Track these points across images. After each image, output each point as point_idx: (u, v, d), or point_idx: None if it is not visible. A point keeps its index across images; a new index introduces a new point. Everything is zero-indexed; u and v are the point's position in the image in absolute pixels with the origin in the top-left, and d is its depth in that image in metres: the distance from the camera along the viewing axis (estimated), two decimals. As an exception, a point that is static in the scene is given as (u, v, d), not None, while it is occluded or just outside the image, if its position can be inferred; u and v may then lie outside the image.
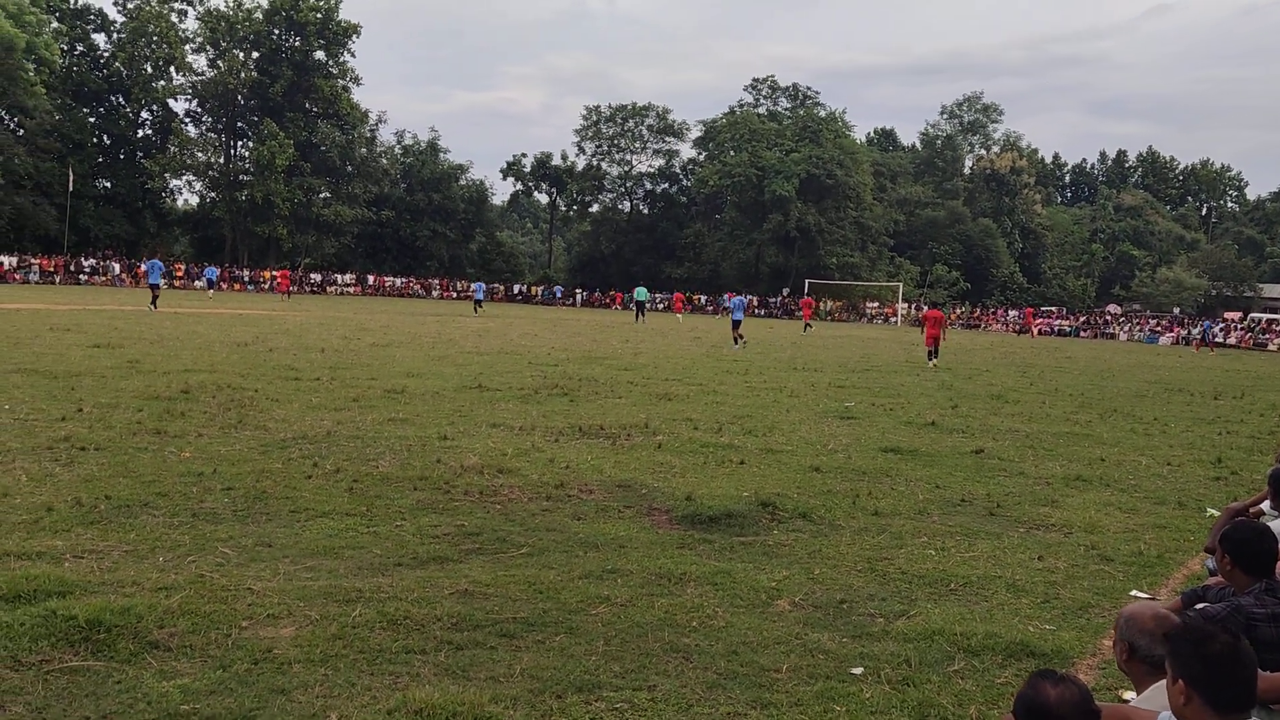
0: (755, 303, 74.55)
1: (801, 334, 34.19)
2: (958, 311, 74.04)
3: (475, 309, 49.66)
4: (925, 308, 38.73)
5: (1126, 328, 67.42)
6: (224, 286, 62.79)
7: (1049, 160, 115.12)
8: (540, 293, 77.16)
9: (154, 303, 33.61)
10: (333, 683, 4.07)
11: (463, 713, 3.77)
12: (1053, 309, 77.80)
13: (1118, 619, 3.14)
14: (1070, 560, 6.67)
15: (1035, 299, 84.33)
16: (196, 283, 61.23)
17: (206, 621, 4.63)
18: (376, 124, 77.80)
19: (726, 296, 38.09)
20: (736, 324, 30.18)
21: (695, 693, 4.19)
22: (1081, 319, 71.72)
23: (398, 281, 72.89)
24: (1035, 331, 58.42)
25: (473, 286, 59.21)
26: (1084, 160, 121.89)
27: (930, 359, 24.99)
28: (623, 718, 3.92)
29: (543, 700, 4.02)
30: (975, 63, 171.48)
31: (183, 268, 65.71)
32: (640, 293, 49.58)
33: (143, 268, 46.94)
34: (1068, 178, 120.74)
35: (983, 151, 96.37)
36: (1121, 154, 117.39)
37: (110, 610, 4.54)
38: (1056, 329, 67.67)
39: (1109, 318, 72.16)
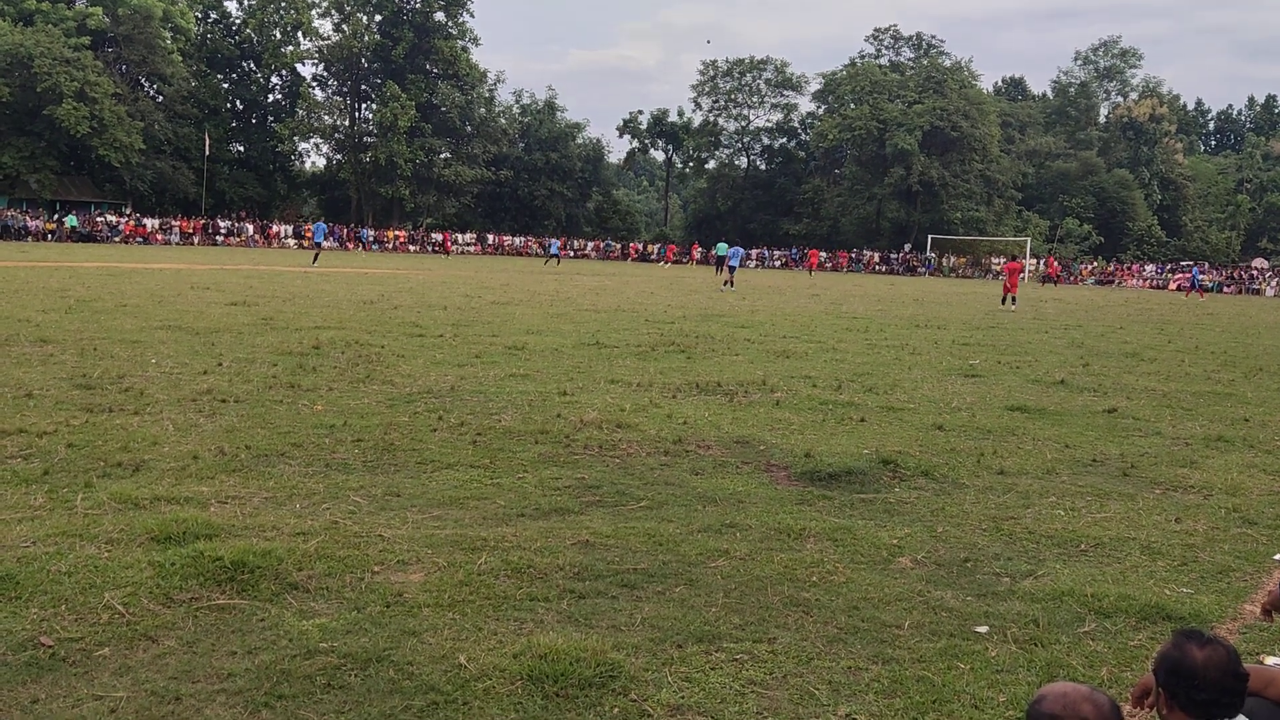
0: (876, 259, 73.11)
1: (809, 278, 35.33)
2: (1089, 267, 71.12)
3: (549, 262, 52.18)
4: (1005, 260, 41.97)
5: (1274, 283, 63.68)
6: (349, 247, 64.86)
7: (1191, 107, 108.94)
8: (657, 250, 77.19)
9: (315, 260, 36.81)
10: (460, 626, 4.20)
11: (585, 659, 3.84)
12: (1191, 263, 74.03)
13: None
14: (1210, 523, 6.38)
15: (1174, 253, 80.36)
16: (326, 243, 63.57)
17: (341, 565, 4.82)
18: (495, 84, 78.83)
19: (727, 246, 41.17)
20: (732, 270, 36.99)
21: (815, 646, 4.18)
22: (1225, 274, 68.00)
23: (517, 241, 73.92)
24: (1189, 290, 54.99)
25: (551, 243, 62.00)
26: (1230, 106, 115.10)
27: (1008, 304, 29.39)
28: (742, 668, 3.94)
29: (663, 649, 4.07)
30: (1114, 4, 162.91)
31: (311, 229, 68.04)
32: (721, 247, 50.13)
33: (309, 228, 50.50)
34: (1212, 125, 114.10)
35: (1119, 99, 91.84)
36: (1271, 99, 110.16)
37: (253, 552, 4.77)
38: (1198, 284, 64.40)
39: (1255, 273, 68.23)
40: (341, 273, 33.81)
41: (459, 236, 70.96)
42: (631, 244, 76.81)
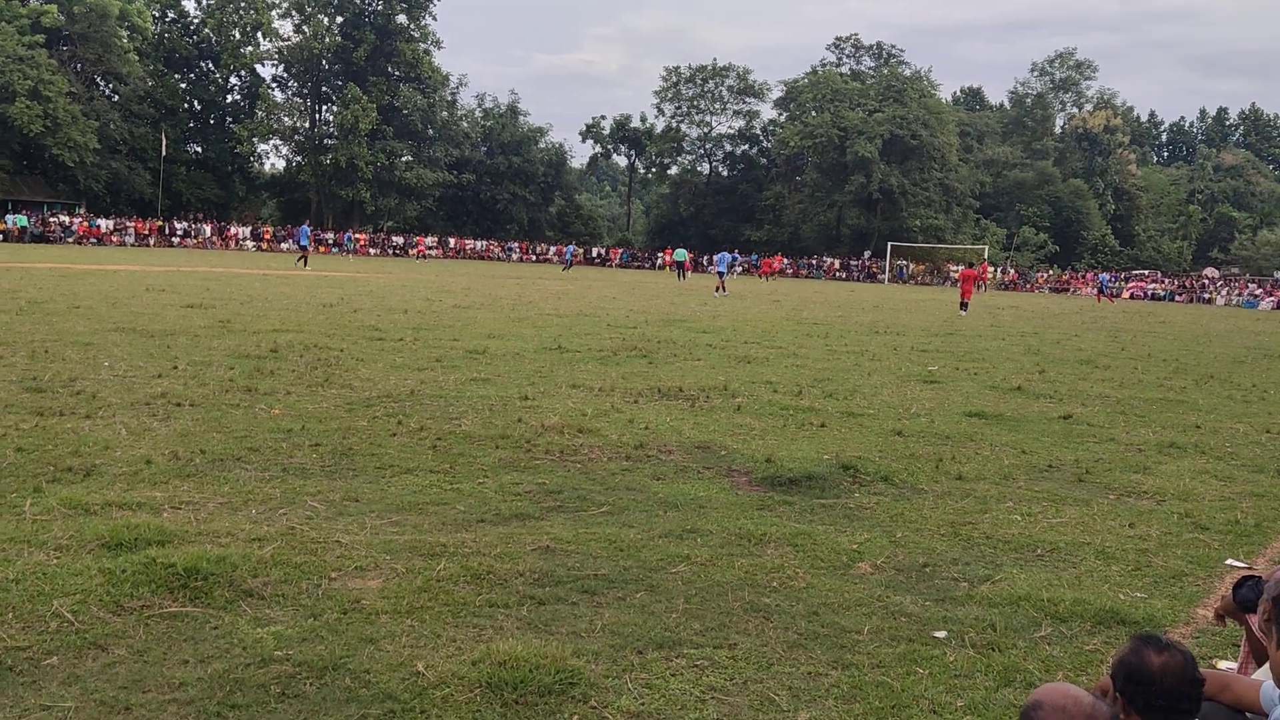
0: (835, 266, 73.70)
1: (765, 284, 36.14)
2: (1044, 275, 72.13)
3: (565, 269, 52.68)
4: (961, 268, 42.89)
5: (1224, 292, 64.97)
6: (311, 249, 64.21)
7: (1144, 119, 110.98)
8: (620, 256, 77.25)
9: (302, 261, 37.84)
10: (419, 633, 4.15)
11: (545, 665, 3.81)
12: (1144, 272, 75.34)
13: (1269, 579, 3.02)
14: (1163, 528, 6.47)
15: (1128, 262, 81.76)
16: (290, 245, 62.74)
17: (297, 572, 4.76)
18: (457, 87, 78.59)
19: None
20: (721, 275, 37.82)
21: (776, 652, 4.18)
22: (1176, 283, 69.28)
23: (478, 244, 73.65)
24: (1109, 297, 56.75)
25: (566, 250, 62.62)
26: (1182, 118, 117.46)
27: (962, 310, 30.58)
28: (703, 674, 3.93)
29: (624, 655, 4.05)
30: (1069, 17, 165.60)
31: (270, 231, 67.32)
32: (680, 253, 51.94)
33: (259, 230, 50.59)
34: (1164, 136, 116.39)
35: (1075, 110, 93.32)
36: (1222, 111, 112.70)
37: (207, 559, 4.69)
38: (1150, 293, 65.53)
39: (1206, 281, 69.57)
40: (302, 276, 33.46)
41: (420, 240, 70.58)
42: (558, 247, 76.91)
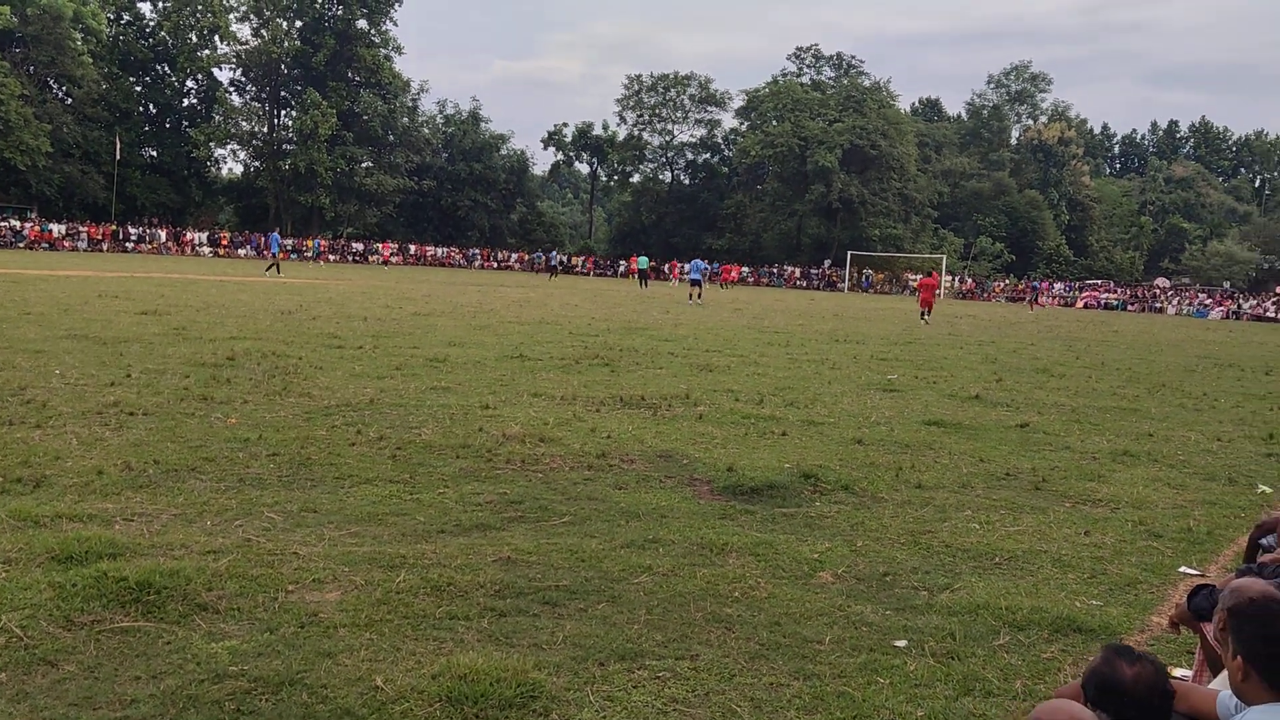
0: (796, 274, 74.16)
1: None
2: (1001, 285, 73.04)
3: (552, 276, 52.81)
4: (920, 276, 43.18)
5: (1175, 301, 66.19)
6: (266, 255, 63.53)
7: (1098, 131, 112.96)
8: (581, 263, 77.17)
9: (274, 269, 38.99)
10: (378, 647, 4.10)
11: (506, 678, 3.78)
12: (1098, 282, 76.57)
13: (1223, 589, 3.07)
14: (1118, 536, 6.57)
15: (1082, 272, 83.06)
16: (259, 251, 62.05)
17: (253, 585, 4.68)
18: (418, 93, 78.11)
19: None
20: (695, 283, 38.64)
21: (737, 663, 4.18)
22: (1129, 292, 70.48)
23: (439, 251, 73.23)
24: (1032, 305, 58.86)
25: (550, 255, 62.85)
26: (1134, 131, 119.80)
27: (924, 318, 30.78)
28: (665, 686, 3.92)
29: (585, 667, 4.03)
30: (1026, 29, 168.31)
31: (227, 237, 66.49)
32: (642, 261, 52.56)
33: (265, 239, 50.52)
34: (1117, 148, 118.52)
35: (1030, 122, 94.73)
36: (1173, 124, 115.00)
37: (160, 572, 4.60)
38: (1103, 303, 66.59)
39: (1157, 291, 70.85)
40: (261, 282, 33.08)
41: (379, 246, 70.06)
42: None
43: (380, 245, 68.41)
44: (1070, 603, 5.18)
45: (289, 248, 64.54)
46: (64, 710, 3.46)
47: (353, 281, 38.11)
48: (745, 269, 73.91)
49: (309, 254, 63.98)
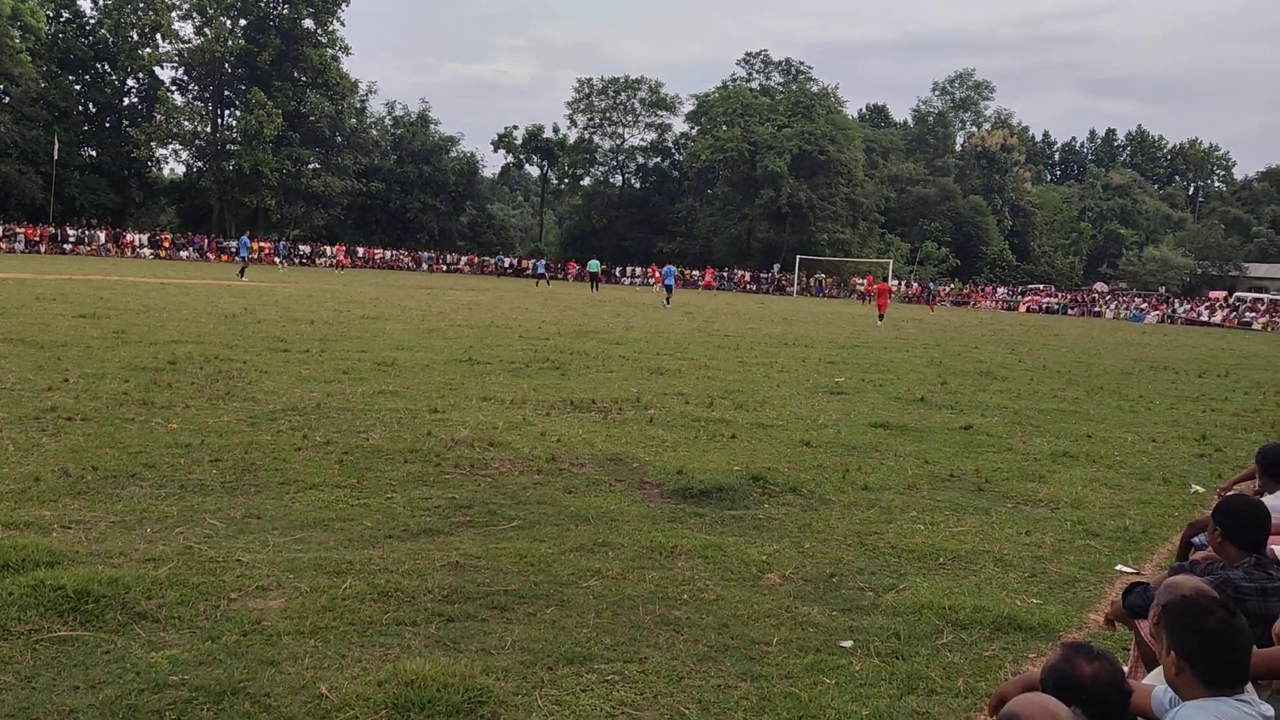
0: (746, 278, 74.63)
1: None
2: (946, 289, 74.11)
3: (539, 284, 53.63)
4: (878, 282, 44.52)
5: (1113, 306, 67.66)
6: (210, 257, 62.50)
7: (1039, 138, 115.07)
8: (532, 266, 76.87)
9: (242, 274, 38.28)
10: (323, 654, 4.06)
11: (454, 684, 3.76)
12: (1040, 286, 77.98)
13: (1158, 585, 3.13)
14: (1057, 535, 6.70)
15: (1024, 276, 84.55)
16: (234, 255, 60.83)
17: (195, 593, 4.61)
18: (366, 94, 77.13)
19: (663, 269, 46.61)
20: (669, 289, 40.71)
21: (686, 665, 4.20)
22: (1069, 297, 71.88)
23: (387, 254, 72.50)
24: (933, 306, 60.68)
25: (536, 264, 62.85)
26: (1073, 139, 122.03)
27: (880, 320, 33.33)
28: (614, 690, 3.92)
29: (534, 672, 4.02)
30: (970, 39, 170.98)
31: (169, 238, 65.28)
32: (593, 264, 53.11)
33: (233, 244, 49.56)
34: (1057, 156, 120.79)
35: (974, 129, 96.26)
36: (1111, 133, 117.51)
37: (98, 580, 4.52)
38: (1045, 306, 67.85)
39: (1096, 296, 72.37)
40: (203, 284, 32.53)
41: (333, 249, 69.16)
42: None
43: (334, 248, 67.43)
44: (1011, 601, 5.28)
45: (231, 250, 63.51)
46: (-2, 723, 3.38)
47: (299, 284, 37.61)
48: (695, 272, 74.16)
49: (275, 257, 62.30)
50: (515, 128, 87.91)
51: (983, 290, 74.79)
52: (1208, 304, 65.57)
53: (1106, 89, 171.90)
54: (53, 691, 3.62)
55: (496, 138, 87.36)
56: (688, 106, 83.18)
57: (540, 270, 60.29)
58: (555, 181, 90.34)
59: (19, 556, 4.80)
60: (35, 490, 6.18)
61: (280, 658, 4.00)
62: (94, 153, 70.60)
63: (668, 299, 39.79)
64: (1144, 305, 67.06)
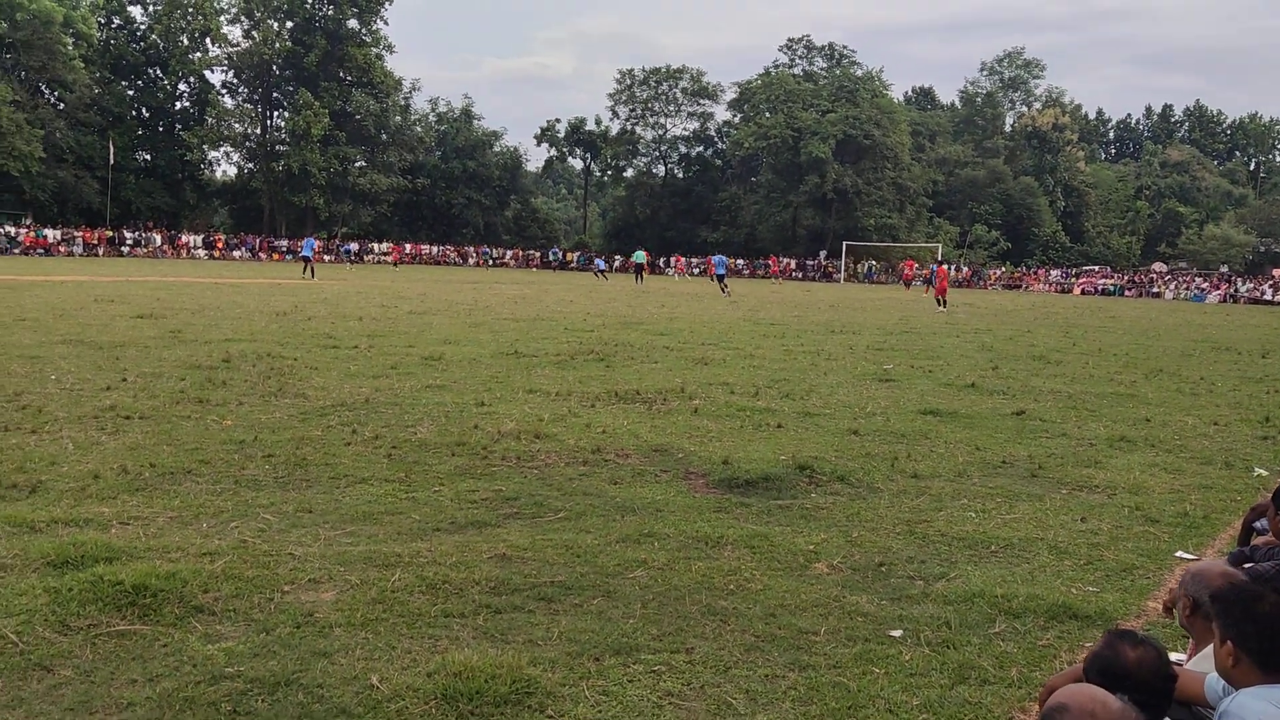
0: (792, 266, 74.20)
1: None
2: (997, 273, 73.04)
3: (598, 276, 54.03)
4: (933, 265, 43.60)
5: (1172, 286, 66.22)
6: (262, 257, 63.46)
7: (1092, 116, 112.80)
8: (577, 259, 77.12)
9: (308, 273, 38.92)
10: (373, 646, 4.11)
11: (501, 675, 3.78)
12: (1095, 268, 76.55)
13: (1184, 575, 3.07)
14: (1114, 522, 6.58)
15: (1079, 258, 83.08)
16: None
17: (249, 586, 4.69)
18: (410, 92, 77.98)
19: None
20: (720, 278, 40.70)
21: (733, 655, 4.19)
22: (1125, 278, 70.48)
23: (434, 250, 73.12)
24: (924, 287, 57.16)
25: (595, 261, 63.92)
26: (1129, 116, 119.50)
27: (942, 306, 33.08)
28: (660, 680, 3.92)
29: (580, 663, 4.03)
30: (1017, 17, 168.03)
31: (222, 239, 66.41)
32: (638, 255, 52.86)
33: (300, 244, 49.92)
34: (1112, 134, 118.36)
35: (1024, 109, 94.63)
36: (1168, 108, 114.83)
37: (156, 575, 4.61)
38: (1100, 288, 66.61)
39: (1154, 276, 70.86)
40: (255, 284, 33.05)
41: (389, 246, 69.85)
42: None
43: (390, 246, 68.17)
44: (1066, 589, 5.19)
45: (284, 249, 64.43)
46: (60, 715, 3.47)
47: (347, 281, 38.08)
48: (740, 261, 73.94)
49: (344, 260, 62.41)
50: (558, 121, 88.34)
51: (1035, 273, 73.56)
52: (1271, 282, 63.88)
53: (1161, 63, 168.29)
54: (112, 684, 3.70)
55: (539, 131, 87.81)
56: (730, 95, 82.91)
57: (600, 265, 60.46)
58: (598, 173, 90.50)
59: (79, 553, 4.91)
60: (95, 487, 6.32)
61: (332, 649, 4.05)
62: (148, 156, 72.09)
63: (724, 288, 39.48)
64: (1205, 285, 65.56)
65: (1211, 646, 2.71)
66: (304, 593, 4.66)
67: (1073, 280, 69.99)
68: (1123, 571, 5.56)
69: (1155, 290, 65.68)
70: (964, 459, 8.34)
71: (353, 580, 4.83)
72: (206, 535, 5.46)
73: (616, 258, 73.31)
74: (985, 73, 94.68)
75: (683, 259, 72.20)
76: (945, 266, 39.99)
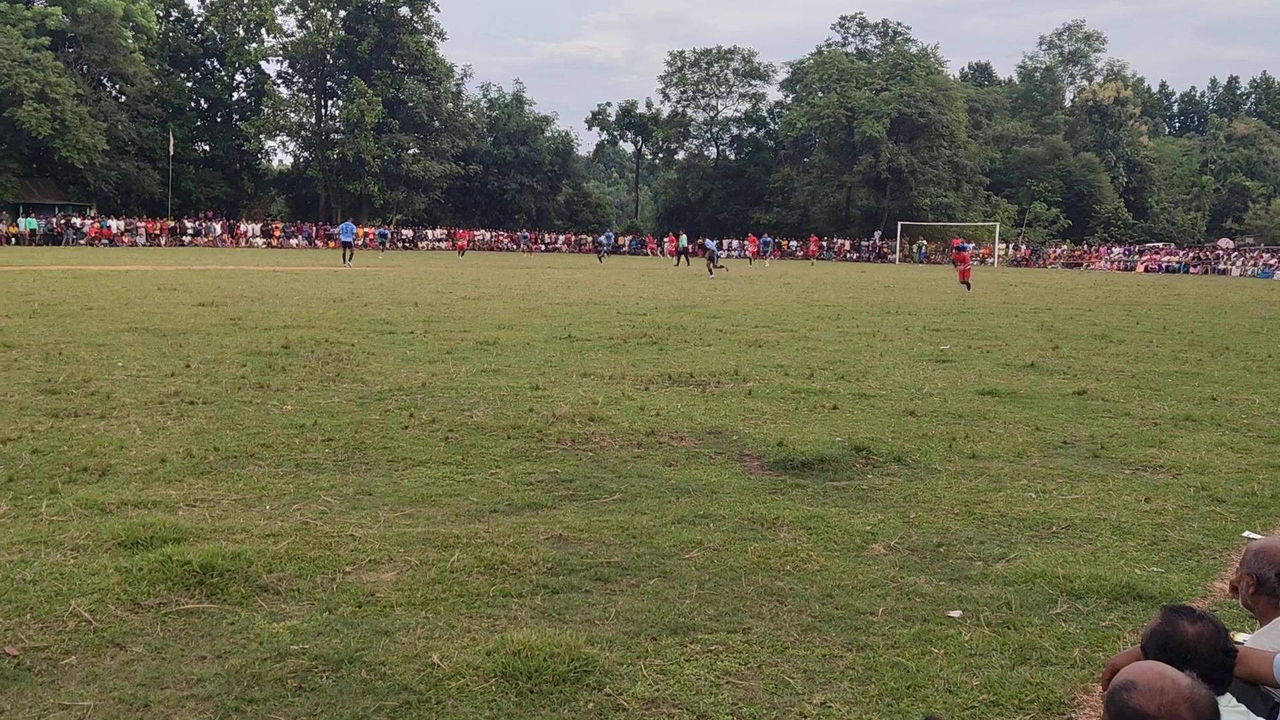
0: (846, 247, 73.49)
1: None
2: (1057, 251, 71.66)
3: (679, 262, 52.47)
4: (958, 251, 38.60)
5: (1239, 262, 64.47)
6: (318, 244, 64.35)
7: (1155, 89, 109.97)
8: (629, 243, 77.13)
9: (346, 260, 38.63)
10: (433, 625, 4.17)
11: (560, 654, 3.82)
12: (1159, 245, 74.76)
13: (1245, 552, 3.00)
14: (1179, 502, 6.44)
15: (1142, 235, 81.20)
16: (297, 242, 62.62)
17: (312, 566, 4.78)
18: (462, 78, 78.40)
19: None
20: (712, 256, 42.06)
21: (790, 635, 4.18)
22: (1191, 255, 68.74)
23: (487, 235, 73.59)
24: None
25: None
26: (1193, 88, 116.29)
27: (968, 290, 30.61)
28: (717, 659, 3.93)
29: (638, 642, 4.05)
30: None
31: (279, 227, 67.45)
32: (682, 239, 53.28)
33: (338, 230, 50.62)
34: (1175, 107, 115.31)
35: (1084, 83, 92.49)
36: (1233, 80, 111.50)
37: (222, 555, 4.71)
38: (1164, 266, 65.07)
39: (1220, 253, 69.02)
40: (312, 271, 33.55)
41: (429, 232, 70.44)
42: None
43: (456, 232, 68.30)
44: (1130, 570, 5.10)
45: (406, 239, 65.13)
46: (133, 690, 3.56)
47: (402, 268, 38.49)
48: (794, 242, 73.35)
49: (381, 244, 62.48)
50: (608, 104, 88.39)
51: (1096, 251, 72.05)
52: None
53: (1226, 34, 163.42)
54: (181, 661, 3.80)
55: (590, 115, 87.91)
56: (782, 75, 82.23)
57: (684, 245, 57.50)
58: (649, 157, 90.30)
59: (148, 534, 5.04)
60: (161, 471, 6.47)
61: (393, 628, 4.12)
62: (207, 147, 73.45)
63: (713, 267, 41.09)
64: (1273, 261, 63.69)
65: (1276, 623, 2.65)
66: (365, 573, 4.74)
67: (1135, 258, 68.42)
68: (1188, 552, 5.45)
69: (1221, 267, 64.00)
70: (1023, 439, 8.22)
71: (412, 561, 4.90)
72: (269, 517, 5.57)
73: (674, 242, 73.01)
74: (1044, 47, 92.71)
75: (755, 238, 70.29)
76: (968, 251, 35.35)
